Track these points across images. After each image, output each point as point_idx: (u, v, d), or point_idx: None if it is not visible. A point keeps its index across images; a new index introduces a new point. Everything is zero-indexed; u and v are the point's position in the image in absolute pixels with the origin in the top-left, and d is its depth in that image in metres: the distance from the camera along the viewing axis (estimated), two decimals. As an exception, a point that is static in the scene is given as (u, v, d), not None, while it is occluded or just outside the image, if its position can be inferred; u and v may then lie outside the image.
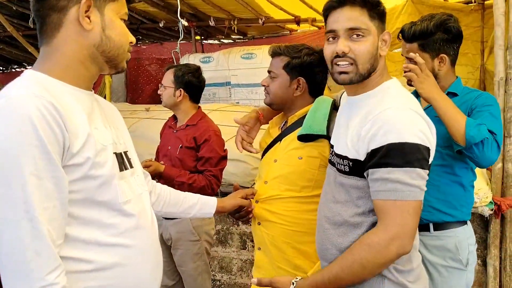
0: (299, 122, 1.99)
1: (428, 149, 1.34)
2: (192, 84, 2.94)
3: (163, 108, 3.26)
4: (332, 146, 1.66)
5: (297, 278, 1.49)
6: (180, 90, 2.90)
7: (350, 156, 1.45)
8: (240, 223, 3.86)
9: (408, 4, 5.72)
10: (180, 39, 4.25)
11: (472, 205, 2.14)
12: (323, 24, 5.83)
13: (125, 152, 1.39)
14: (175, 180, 2.75)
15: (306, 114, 1.98)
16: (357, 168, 1.44)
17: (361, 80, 1.48)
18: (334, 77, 1.52)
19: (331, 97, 2.05)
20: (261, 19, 6.46)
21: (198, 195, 1.94)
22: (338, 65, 1.47)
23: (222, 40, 8.07)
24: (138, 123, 4.89)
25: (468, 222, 2.10)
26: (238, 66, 6.08)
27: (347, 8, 1.43)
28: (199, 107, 3.03)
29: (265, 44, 6.77)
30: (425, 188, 1.34)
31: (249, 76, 5.99)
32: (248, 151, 2.13)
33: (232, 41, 8.02)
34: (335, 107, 1.95)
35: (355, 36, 1.43)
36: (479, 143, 1.79)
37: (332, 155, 1.63)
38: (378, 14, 1.46)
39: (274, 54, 2.03)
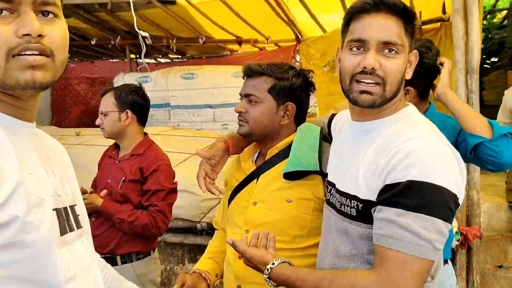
0: (280, 155, 1.68)
1: (455, 198, 1.08)
2: (138, 103, 2.58)
3: (96, 132, 2.88)
4: (330, 183, 1.38)
5: (275, 261, 1.27)
6: (127, 112, 2.51)
7: (361, 196, 1.17)
8: (186, 261, 3.52)
9: (351, 27, 5.71)
10: (143, 52, 3.89)
11: (452, 241, 1.97)
12: (265, 45, 5.65)
13: (72, 207, 1.04)
14: (114, 216, 2.37)
15: (288, 146, 1.67)
16: (368, 212, 1.16)
17: (383, 104, 1.22)
18: (351, 96, 1.23)
19: (316, 124, 1.77)
20: (202, 39, 6.21)
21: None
22: (361, 82, 1.19)
23: (159, 59, 7.71)
24: (68, 150, 4.37)
25: (449, 261, 1.93)
26: (178, 86, 5.75)
27: (383, 15, 1.17)
28: (146, 133, 2.67)
29: (205, 64, 6.52)
30: (441, 247, 1.07)
31: (190, 97, 5.69)
32: (212, 192, 1.68)
33: (169, 61, 7.68)
34: (323, 136, 1.69)
35: (387, 51, 1.17)
36: (505, 136, 1.68)
37: (332, 194, 1.35)
38: (413, 29, 1.22)
39: (253, 73, 1.68)
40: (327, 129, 1.69)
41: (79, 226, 1.04)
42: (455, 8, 2.63)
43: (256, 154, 1.81)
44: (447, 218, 1.05)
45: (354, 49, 1.20)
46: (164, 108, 5.81)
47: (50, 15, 0.91)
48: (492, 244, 3.38)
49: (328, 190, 1.39)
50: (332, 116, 1.68)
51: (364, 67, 1.17)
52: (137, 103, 2.55)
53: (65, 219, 0.97)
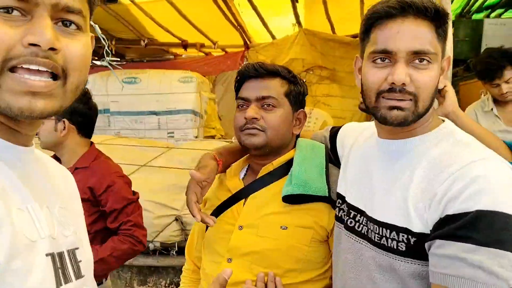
0: (274, 174, 1.42)
1: None
2: (80, 111, 2.20)
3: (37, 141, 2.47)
4: (355, 209, 1.16)
5: None
6: (64, 122, 2.14)
7: (414, 229, 0.97)
8: (135, 284, 3.17)
9: (300, 36, 5.65)
10: (108, 57, 3.48)
11: None
12: (212, 50, 5.40)
13: (72, 251, 0.81)
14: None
15: (285, 164, 1.43)
16: (421, 247, 0.97)
17: (416, 121, 1.04)
18: (379, 114, 1.04)
19: (314, 139, 1.54)
20: (144, 41, 5.87)
21: None
22: (390, 98, 1.01)
23: (95, 61, 7.22)
24: None
25: None
26: (119, 91, 5.35)
27: (411, 20, 0.98)
28: (92, 143, 2.31)
29: (147, 68, 6.16)
30: None
31: (132, 103, 5.31)
32: (205, 222, 1.31)
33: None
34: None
35: (418, 61, 0.99)
36: None
37: (359, 222, 1.14)
38: (445, 32, 1.03)
39: (267, 73, 1.41)
40: (329, 145, 1.48)
41: (79, 275, 0.81)
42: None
43: (244, 171, 1.54)
44: None
45: (379, 61, 1.02)
46: (103, 114, 5.38)
47: (73, 26, 0.72)
48: None
49: (352, 216, 1.17)
50: (333, 129, 1.49)
51: (393, 83, 0.99)
52: (78, 112, 2.17)
53: (62, 267, 0.76)
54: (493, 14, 6.18)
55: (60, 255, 0.77)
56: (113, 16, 5.11)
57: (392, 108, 1.01)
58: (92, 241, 2.10)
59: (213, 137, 5.93)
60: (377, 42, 1.02)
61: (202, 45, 6.10)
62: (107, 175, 2.14)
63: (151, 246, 3.04)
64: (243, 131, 1.39)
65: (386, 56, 1.00)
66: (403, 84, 0.98)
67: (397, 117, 1.01)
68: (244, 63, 1.47)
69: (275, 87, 1.41)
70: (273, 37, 6.07)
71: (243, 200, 1.42)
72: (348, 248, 1.17)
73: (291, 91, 1.43)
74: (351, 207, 1.18)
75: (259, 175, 1.44)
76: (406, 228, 0.99)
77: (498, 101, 2.84)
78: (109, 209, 2.10)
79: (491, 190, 0.88)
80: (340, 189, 1.27)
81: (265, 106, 1.39)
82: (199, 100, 5.47)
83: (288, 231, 1.31)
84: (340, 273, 1.19)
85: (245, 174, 1.52)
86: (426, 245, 0.95)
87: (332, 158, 1.44)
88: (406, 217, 0.99)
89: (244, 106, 1.42)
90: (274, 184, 1.40)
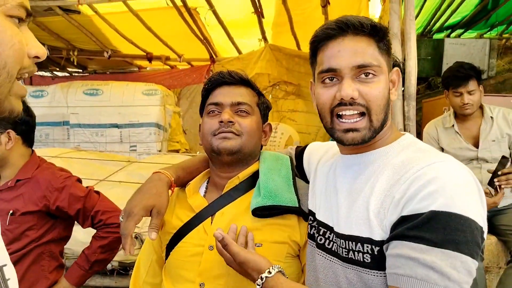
0: (240, 188, 1.34)
1: (482, 232, 0.90)
2: (22, 120, 2.07)
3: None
4: (324, 225, 1.13)
5: (271, 270, 1.05)
6: (8, 133, 2.00)
7: (376, 238, 0.96)
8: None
9: (266, 51, 5.65)
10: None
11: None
12: (177, 63, 5.33)
13: (1, 268, 0.72)
14: (89, 271, 2.08)
15: (250, 177, 1.36)
16: (385, 257, 0.95)
17: (375, 136, 1.05)
18: (335, 136, 1.06)
19: (284, 153, 1.49)
20: (107, 52, 5.73)
21: None
22: (343, 118, 1.03)
23: (56, 72, 7.00)
24: None
25: None
26: (80, 103, 5.19)
27: (350, 38, 1.03)
28: (33, 151, 2.16)
29: (110, 79, 6.01)
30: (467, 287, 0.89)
31: (93, 115, 5.16)
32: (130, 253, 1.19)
33: (68, 74, 7.00)
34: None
35: (363, 76, 1.02)
36: None
37: (328, 239, 1.10)
38: (387, 46, 1.06)
39: (240, 81, 1.39)
40: (296, 162, 1.44)
41: None
42: (393, 32, 2.59)
43: (204, 187, 1.43)
44: (476, 255, 0.87)
45: (327, 80, 1.06)
46: (62, 126, 5.19)
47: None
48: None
49: (321, 233, 1.14)
50: (298, 148, 1.47)
51: (342, 99, 1.02)
52: (21, 121, 2.05)
53: None
54: (453, 34, 6.39)
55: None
56: (75, 27, 4.96)
57: (347, 131, 1.03)
58: (41, 255, 1.99)
59: (177, 151, 5.82)
60: (322, 63, 1.06)
61: (167, 58, 6.00)
62: (54, 180, 2.01)
63: (108, 266, 2.89)
64: (216, 135, 1.31)
65: (333, 75, 1.04)
66: (352, 98, 1.01)
67: (354, 138, 1.04)
68: (214, 73, 1.43)
69: (248, 95, 1.38)
70: (239, 52, 6.04)
71: (210, 218, 1.32)
72: (321, 266, 1.14)
73: (261, 102, 1.42)
74: (320, 223, 1.16)
75: (225, 189, 1.35)
76: (369, 238, 0.98)
77: (459, 118, 2.89)
78: (73, 212, 2.00)
79: (446, 191, 0.87)
80: (311, 205, 1.24)
81: (239, 112, 1.34)
82: (163, 113, 5.36)
83: (263, 248, 1.23)
84: None
85: (205, 191, 1.42)
86: (384, 247, 0.94)
87: (297, 174, 1.40)
88: (368, 227, 0.98)
89: (216, 112, 1.35)
90: (241, 198, 1.33)
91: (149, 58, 5.91)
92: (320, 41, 1.08)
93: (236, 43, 5.80)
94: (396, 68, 1.10)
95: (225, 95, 1.35)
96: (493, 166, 2.73)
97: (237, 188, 1.35)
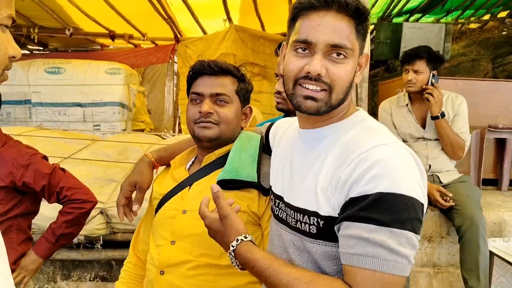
0: (216, 163, 1.51)
1: (423, 208, 0.99)
2: None
3: None
4: (277, 197, 1.23)
5: (244, 238, 1.12)
6: None
7: (322, 213, 1.04)
8: (58, 278, 3.07)
9: (231, 31, 5.69)
10: None
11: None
12: (141, 42, 5.29)
13: None
14: (55, 244, 2.13)
15: (226, 153, 1.51)
16: (330, 229, 1.04)
17: (329, 111, 1.10)
18: (294, 101, 1.10)
19: (256, 132, 1.61)
20: (69, 30, 5.64)
21: None
22: (305, 87, 1.06)
23: (15, 49, 6.82)
24: None
25: None
26: (42, 81, 5.12)
27: (333, 15, 1.03)
28: None
29: (72, 58, 5.93)
30: (414, 261, 1.00)
31: (55, 94, 5.11)
32: (129, 219, 1.58)
33: (28, 52, 6.83)
34: (263, 146, 1.54)
35: (335, 55, 1.04)
36: None
37: (281, 209, 1.20)
38: (365, 30, 1.08)
39: (220, 71, 1.50)
40: (265, 139, 1.55)
41: None
42: (349, 17, 2.70)
43: (190, 162, 1.63)
44: (418, 230, 0.98)
45: (300, 50, 1.07)
46: (24, 105, 5.12)
47: None
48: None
49: (276, 204, 1.24)
50: (270, 126, 1.56)
51: (308, 72, 1.04)
52: None
53: None
54: (411, 19, 6.60)
55: None
56: (35, 3, 4.86)
57: (307, 97, 1.06)
58: (10, 228, 2.06)
59: (142, 130, 5.84)
60: (299, 32, 1.06)
61: (131, 36, 5.96)
62: (20, 157, 2.06)
63: (74, 239, 2.96)
64: (197, 124, 1.48)
65: (306, 46, 1.05)
66: (319, 75, 1.03)
67: (311, 107, 1.07)
68: (196, 61, 1.52)
69: (228, 85, 1.51)
70: (204, 32, 6.06)
71: (188, 187, 1.50)
72: (274, 233, 1.24)
73: (240, 89, 1.54)
74: (275, 195, 1.25)
75: (202, 164, 1.53)
76: (315, 212, 1.05)
77: (412, 99, 3.08)
78: (38, 188, 2.06)
79: (389, 173, 0.95)
80: (271, 181, 1.33)
81: (218, 101, 1.49)
82: (128, 92, 5.36)
83: None
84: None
85: (191, 165, 1.61)
86: (335, 227, 1.02)
87: (268, 151, 1.52)
88: (316, 202, 1.05)
89: (198, 101, 1.50)
90: (215, 172, 1.49)
91: (112, 36, 5.85)
92: (303, 8, 1.07)
93: (202, 24, 5.82)
94: (365, 53, 1.12)
95: (206, 85, 1.49)
96: (437, 144, 2.98)
97: (214, 163, 1.52)
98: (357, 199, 0.97)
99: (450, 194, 2.78)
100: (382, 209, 0.94)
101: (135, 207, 1.57)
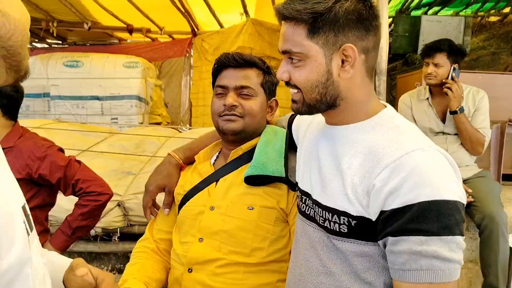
0: (243, 158, 1.49)
1: (463, 206, 0.97)
2: (5, 94, 2.13)
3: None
4: (304, 193, 1.22)
5: None
6: None
7: (354, 213, 1.03)
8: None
9: (248, 25, 5.67)
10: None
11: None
12: (158, 35, 5.30)
13: (24, 207, 0.85)
14: (71, 237, 2.18)
15: (253, 148, 1.49)
16: (363, 229, 1.03)
17: (314, 110, 1.12)
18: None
19: (278, 124, 1.61)
20: (87, 24, 5.69)
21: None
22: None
23: (34, 44, 6.92)
24: None
25: None
26: (60, 75, 5.18)
27: (284, 24, 1.08)
28: (16, 122, 2.23)
29: (90, 51, 5.99)
30: (463, 261, 0.98)
31: (74, 87, 5.16)
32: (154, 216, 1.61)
33: (47, 46, 6.92)
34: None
35: (291, 60, 1.09)
36: None
37: (308, 206, 1.19)
38: (328, 24, 1.05)
39: (245, 63, 1.49)
40: (288, 132, 1.54)
41: (31, 227, 0.87)
42: (367, 10, 2.67)
43: (215, 156, 1.61)
44: (463, 230, 0.97)
45: (285, 57, 1.14)
46: (43, 98, 5.20)
47: None
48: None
49: (303, 201, 1.22)
50: (292, 117, 1.55)
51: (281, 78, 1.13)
52: (3, 94, 2.11)
53: (26, 219, 0.82)
54: (430, 11, 6.49)
55: (23, 207, 0.83)
56: (54, -3, 4.92)
57: (292, 100, 1.12)
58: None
59: (159, 124, 5.87)
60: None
61: (148, 30, 5.99)
62: (36, 149, 2.10)
63: (92, 232, 3.00)
64: (221, 117, 1.47)
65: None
66: (286, 80, 1.10)
67: (292, 107, 1.13)
68: (221, 54, 1.52)
69: (252, 77, 1.50)
70: (221, 26, 6.06)
71: (214, 183, 1.49)
72: (300, 230, 1.23)
73: (266, 81, 1.53)
74: (302, 192, 1.24)
75: (229, 159, 1.52)
76: (346, 212, 1.04)
77: (433, 93, 3.03)
78: (54, 180, 2.09)
79: (429, 180, 0.93)
80: (297, 176, 1.32)
81: (243, 94, 1.47)
82: (145, 86, 5.40)
83: (254, 211, 1.39)
84: (295, 254, 1.25)
85: (215, 159, 1.60)
86: (380, 242, 1.01)
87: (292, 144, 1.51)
88: (345, 202, 1.04)
89: (222, 94, 1.49)
90: (242, 167, 1.48)
91: (130, 30, 5.88)
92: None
93: (218, 18, 5.81)
94: (348, 45, 1.06)
95: (230, 78, 1.48)
96: (456, 139, 2.94)
97: (240, 158, 1.50)
98: (400, 210, 0.95)
99: (470, 190, 2.73)
100: (429, 219, 0.92)
101: (166, 211, 1.58)
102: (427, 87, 3.07)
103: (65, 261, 1.11)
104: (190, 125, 6.25)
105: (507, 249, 2.53)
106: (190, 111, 6.49)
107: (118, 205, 3.00)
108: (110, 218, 2.98)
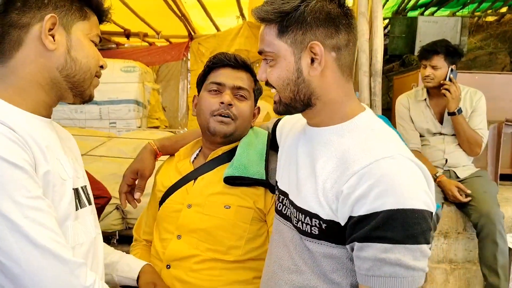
0: (222, 158, 1.51)
1: (431, 215, 0.98)
2: None
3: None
4: (282, 193, 1.23)
5: None
6: None
7: (324, 217, 1.04)
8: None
9: (244, 28, 5.68)
10: None
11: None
12: (155, 40, 5.30)
13: (84, 187, 1.19)
14: None
15: (232, 149, 1.51)
16: (332, 232, 1.04)
17: (292, 109, 1.13)
18: None
19: (263, 128, 1.60)
20: (85, 29, 5.69)
21: (120, 252, 1.49)
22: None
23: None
24: None
25: None
26: (58, 80, 5.17)
27: (262, 25, 1.11)
28: None
29: (88, 57, 5.98)
30: (427, 269, 0.99)
31: (71, 92, 5.15)
32: (132, 205, 1.56)
33: (45, 51, 6.93)
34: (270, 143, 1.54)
35: (266, 60, 1.12)
36: None
37: (285, 205, 1.21)
38: (295, 22, 1.06)
39: (243, 66, 1.51)
40: (272, 136, 1.55)
41: (90, 202, 1.20)
42: (361, 11, 2.69)
43: (195, 155, 1.63)
44: (429, 239, 0.97)
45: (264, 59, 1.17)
46: (41, 103, 5.19)
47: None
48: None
49: (280, 200, 1.24)
50: (277, 121, 1.57)
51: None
52: None
53: (79, 197, 1.12)
54: (426, 12, 6.52)
55: (77, 190, 1.11)
56: (51, 2, 4.92)
57: (273, 102, 1.16)
58: None
59: (157, 127, 5.87)
60: None
61: (145, 35, 6.01)
62: None
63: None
64: (214, 116, 1.46)
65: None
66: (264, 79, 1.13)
67: (273, 109, 1.17)
68: (218, 52, 1.52)
69: (248, 80, 1.52)
70: (218, 30, 6.07)
71: (193, 181, 1.50)
72: (275, 229, 1.25)
73: (256, 88, 1.56)
74: (280, 191, 1.25)
75: (208, 159, 1.53)
76: (317, 215, 1.05)
77: (431, 94, 3.05)
78: None
79: (397, 188, 0.93)
80: (277, 176, 1.33)
81: (238, 96, 1.48)
82: (142, 90, 5.40)
83: (231, 210, 1.41)
84: (269, 252, 1.27)
85: (195, 158, 1.61)
86: (348, 246, 1.02)
87: (275, 148, 1.52)
88: (317, 204, 1.05)
89: (217, 91, 1.48)
90: (221, 167, 1.49)
91: (127, 34, 5.91)
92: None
93: (215, 21, 5.83)
94: (314, 43, 1.06)
95: (228, 77, 1.48)
96: (454, 139, 2.94)
97: (220, 158, 1.52)
98: (366, 217, 0.95)
99: (469, 191, 2.74)
100: (394, 227, 0.92)
101: (137, 195, 1.55)
102: (425, 88, 3.09)
103: (137, 266, 1.41)
104: (188, 129, 6.26)
105: (506, 249, 2.54)
106: (188, 115, 6.49)
107: (117, 208, 3.01)
108: (109, 221, 2.98)
